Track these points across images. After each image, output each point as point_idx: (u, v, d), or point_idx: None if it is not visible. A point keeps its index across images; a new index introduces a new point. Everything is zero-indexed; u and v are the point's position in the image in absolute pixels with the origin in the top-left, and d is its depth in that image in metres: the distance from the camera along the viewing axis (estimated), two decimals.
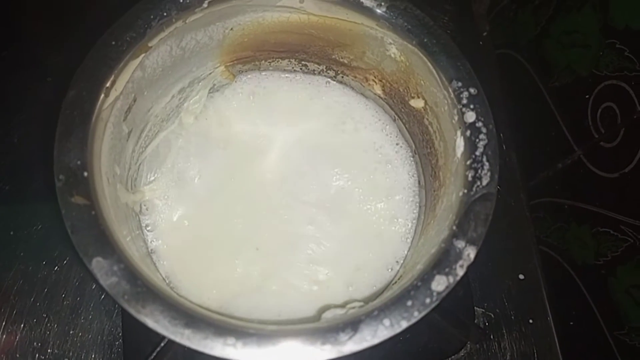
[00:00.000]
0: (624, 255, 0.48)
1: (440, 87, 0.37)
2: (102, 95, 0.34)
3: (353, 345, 0.30)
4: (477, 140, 0.35)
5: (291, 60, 0.48)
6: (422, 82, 0.40)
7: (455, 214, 0.34)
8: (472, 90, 0.36)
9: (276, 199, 0.45)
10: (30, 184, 0.53)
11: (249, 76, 0.49)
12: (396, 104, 0.46)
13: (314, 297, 0.42)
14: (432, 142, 0.41)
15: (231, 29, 0.41)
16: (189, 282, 0.43)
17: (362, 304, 0.38)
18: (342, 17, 0.40)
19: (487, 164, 0.34)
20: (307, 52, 0.46)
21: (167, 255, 0.43)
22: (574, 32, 0.53)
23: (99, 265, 0.30)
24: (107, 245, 0.31)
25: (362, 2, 0.38)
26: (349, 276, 0.44)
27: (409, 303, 0.31)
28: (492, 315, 0.52)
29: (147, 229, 0.44)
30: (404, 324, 0.30)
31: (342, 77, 0.48)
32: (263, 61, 0.48)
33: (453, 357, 0.49)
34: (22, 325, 0.48)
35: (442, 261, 0.32)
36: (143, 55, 0.36)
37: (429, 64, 0.37)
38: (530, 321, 0.52)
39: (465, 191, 0.34)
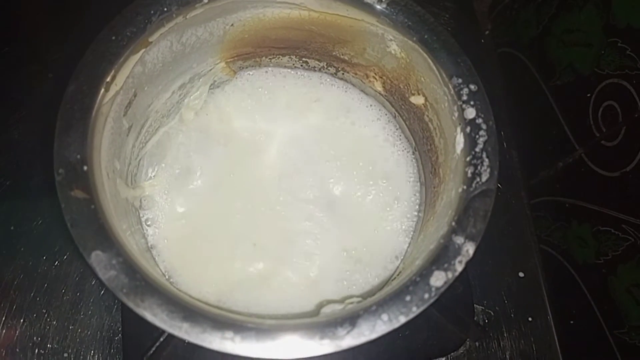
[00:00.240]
0: (624, 254, 0.48)
1: (440, 84, 0.37)
2: (102, 90, 0.34)
3: (351, 339, 0.30)
4: (477, 136, 0.35)
5: (292, 56, 0.48)
6: (422, 78, 0.40)
7: (454, 210, 0.33)
8: (472, 86, 0.36)
9: (275, 195, 0.45)
10: (30, 180, 0.53)
11: (249, 72, 0.49)
12: (396, 100, 0.46)
13: (311, 293, 0.42)
14: (432, 138, 0.41)
15: (232, 25, 0.41)
16: (188, 277, 0.43)
17: (360, 299, 0.38)
18: (342, 14, 0.40)
19: (486, 160, 0.34)
20: (308, 49, 0.46)
21: (166, 250, 0.43)
22: (575, 30, 0.53)
23: (98, 259, 0.30)
24: (106, 239, 0.31)
25: None
26: (346, 272, 0.44)
27: (408, 298, 0.31)
28: (492, 313, 0.52)
29: (147, 224, 0.44)
30: (402, 319, 0.30)
31: (343, 73, 0.48)
32: (264, 57, 0.48)
33: (452, 354, 0.49)
34: (22, 320, 0.48)
35: (441, 257, 0.32)
36: (143, 50, 0.36)
37: (429, 60, 0.37)
38: (530, 319, 0.52)
39: (465, 187, 0.34)
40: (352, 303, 0.36)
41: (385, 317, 0.30)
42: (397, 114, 0.47)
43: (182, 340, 0.29)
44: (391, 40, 0.40)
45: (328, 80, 0.49)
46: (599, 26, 0.48)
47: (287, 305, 0.42)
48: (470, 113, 0.35)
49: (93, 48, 0.35)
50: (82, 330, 0.48)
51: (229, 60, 0.46)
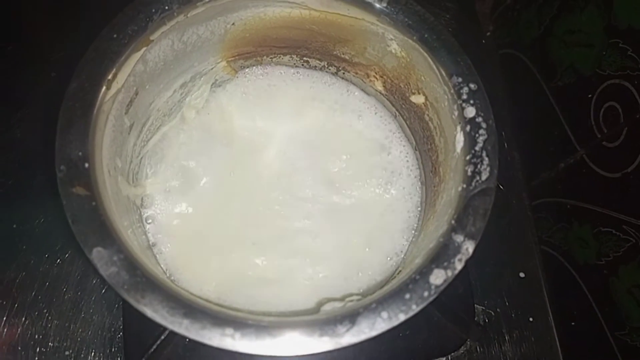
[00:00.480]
0: (626, 255, 0.48)
1: (440, 83, 0.37)
2: (104, 88, 0.34)
3: (351, 337, 0.30)
4: (477, 135, 0.35)
5: (293, 56, 0.48)
6: (422, 77, 0.40)
7: (454, 209, 0.34)
8: (472, 85, 0.36)
9: (275, 194, 0.45)
10: (33, 178, 0.53)
11: (250, 71, 0.49)
12: (397, 100, 0.46)
13: (310, 291, 0.43)
14: (433, 138, 0.41)
15: (233, 23, 0.42)
16: (189, 275, 0.43)
17: (360, 297, 0.38)
18: (343, 13, 0.40)
19: (486, 159, 0.34)
20: (309, 48, 0.46)
21: (167, 249, 0.44)
22: (577, 31, 0.53)
23: (99, 255, 0.30)
24: (108, 235, 0.31)
25: None
26: (345, 270, 0.44)
27: (407, 296, 0.31)
28: (493, 313, 0.52)
29: (148, 222, 0.44)
30: (402, 317, 0.30)
31: (344, 73, 0.48)
32: (265, 57, 0.48)
33: (452, 354, 0.49)
34: (23, 319, 0.48)
35: (441, 255, 0.32)
36: (145, 48, 0.36)
37: (430, 59, 0.37)
38: (531, 320, 0.52)
39: (465, 186, 0.34)
40: (352, 301, 0.36)
41: (385, 314, 0.30)
42: (397, 113, 0.47)
43: (183, 339, 0.29)
44: (391, 39, 0.40)
45: (329, 79, 0.49)
46: (600, 27, 0.48)
47: (287, 303, 0.42)
48: (470, 112, 0.35)
49: (95, 46, 0.35)
50: (83, 329, 0.48)
51: (230, 59, 0.46)
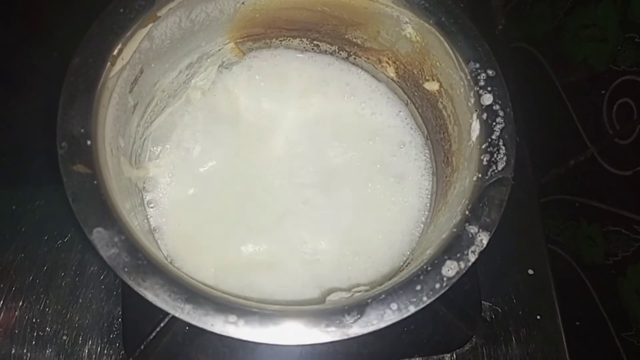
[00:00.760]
0: (635, 255, 0.47)
1: (456, 69, 0.36)
2: (108, 64, 0.33)
3: (358, 328, 0.29)
4: (494, 123, 0.34)
5: (303, 39, 0.47)
6: (437, 63, 0.39)
7: (468, 199, 0.33)
8: (490, 72, 0.35)
9: (280, 179, 0.45)
10: (33, 160, 0.52)
11: (259, 54, 0.48)
12: (409, 87, 0.45)
13: (309, 277, 0.42)
14: (446, 126, 0.40)
15: (243, 2, 0.40)
16: (189, 260, 0.42)
17: (367, 288, 0.37)
18: None
19: (503, 148, 0.33)
20: (320, 32, 0.45)
21: (169, 233, 0.43)
22: (591, 25, 0.52)
23: (99, 236, 0.29)
24: (109, 216, 0.30)
25: None
26: (346, 258, 0.43)
27: (418, 287, 0.30)
28: (499, 310, 0.51)
29: (150, 205, 0.43)
30: (412, 309, 0.30)
31: (355, 58, 0.47)
32: (274, 39, 0.47)
33: (458, 350, 0.49)
34: (21, 302, 0.48)
35: (454, 246, 0.31)
36: (151, 25, 0.35)
37: (446, 44, 0.36)
38: (538, 317, 0.51)
39: (480, 175, 0.33)
40: (359, 292, 0.35)
41: (394, 306, 0.30)
42: (409, 101, 0.46)
43: (183, 327, 0.28)
44: (406, 22, 0.39)
45: (338, 64, 0.48)
46: (615, 21, 0.48)
47: (285, 290, 0.41)
48: (487, 99, 0.34)
49: (100, 20, 0.34)
50: (81, 314, 0.48)
51: (238, 40, 0.45)
